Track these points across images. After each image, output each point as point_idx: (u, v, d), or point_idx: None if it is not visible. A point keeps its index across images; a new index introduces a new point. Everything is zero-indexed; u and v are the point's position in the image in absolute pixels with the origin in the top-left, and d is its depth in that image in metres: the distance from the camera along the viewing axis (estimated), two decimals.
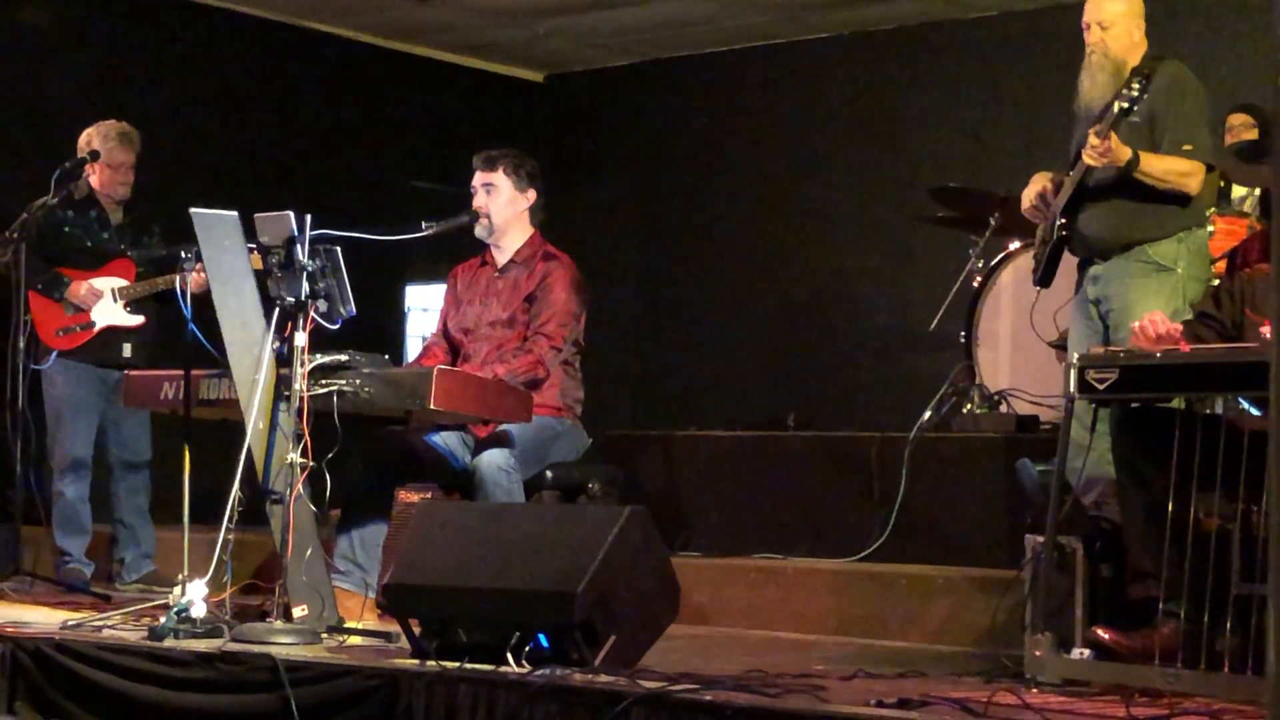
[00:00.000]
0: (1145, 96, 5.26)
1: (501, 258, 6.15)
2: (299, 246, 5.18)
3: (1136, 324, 4.61)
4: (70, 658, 5.08)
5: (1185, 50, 6.41)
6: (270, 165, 9.24)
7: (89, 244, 7.04)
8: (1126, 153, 5.26)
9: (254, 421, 5.19)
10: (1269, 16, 2.34)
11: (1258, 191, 6.61)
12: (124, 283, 7.01)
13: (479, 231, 6.10)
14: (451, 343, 6.19)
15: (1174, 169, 5.32)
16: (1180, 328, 4.54)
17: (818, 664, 4.82)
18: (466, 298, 6.19)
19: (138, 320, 7.02)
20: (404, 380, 5.36)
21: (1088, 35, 5.54)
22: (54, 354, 6.96)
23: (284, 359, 5.19)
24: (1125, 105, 5.24)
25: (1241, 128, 6.86)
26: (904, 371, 8.81)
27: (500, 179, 6.08)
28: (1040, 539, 4.60)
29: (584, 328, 6.08)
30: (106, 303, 6.98)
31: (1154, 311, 4.69)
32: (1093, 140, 5.23)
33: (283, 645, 4.90)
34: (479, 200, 6.09)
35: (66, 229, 7.01)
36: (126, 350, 6.99)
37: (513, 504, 5.56)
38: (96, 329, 6.98)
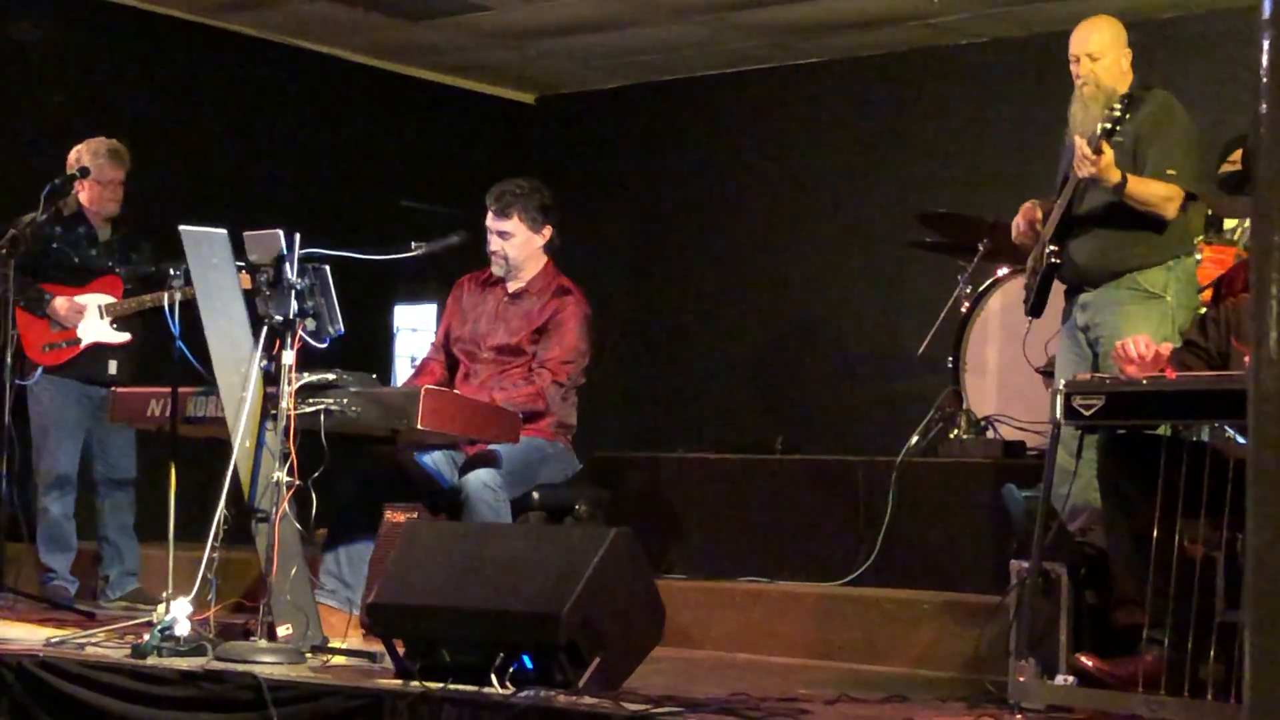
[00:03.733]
0: (1129, 117, 5.30)
1: (514, 284, 6.13)
2: (288, 265, 5.18)
3: (1119, 343, 4.62)
4: (53, 675, 5.06)
5: (1181, 83, 6.43)
6: (260, 184, 9.24)
7: (76, 260, 7.04)
8: (1117, 174, 5.29)
9: (240, 440, 5.18)
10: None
11: (1249, 223, 6.62)
12: (110, 299, 7.00)
13: (495, 270, 6.10)
14: (450, 355, 6.18)
15: (1156, 192, 5.36)
16: (1169, 348, 4.55)
17: (802, 688, 4.81)
18: (473, 315, 6.16)
19: (124, 337, 7.01)
20: (391, 399, 5.36)
21: (1076, 67, 5.57)
22: (40, 370, 6.95)
23: (271, 377, 5.19)
24: (1108, 126, 5.28)
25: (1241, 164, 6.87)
26: (891, 396, 8.82)
27: (514, 226, 6.05)
28: (1025, 565, 4.61)
29: (589, 363, 6.08)
30: (93, 319, 6.97)
31: (1140, 334, 4.70)
32: (1085, 150, 5.25)
33: (266, 664, 4.88)
34: (493, 245, 6.07)
35: (54, 245, 7.00)
36: (112, 367, 6.98)
37: (499, 524, 5.56)
38: (82, 345, 6.97)
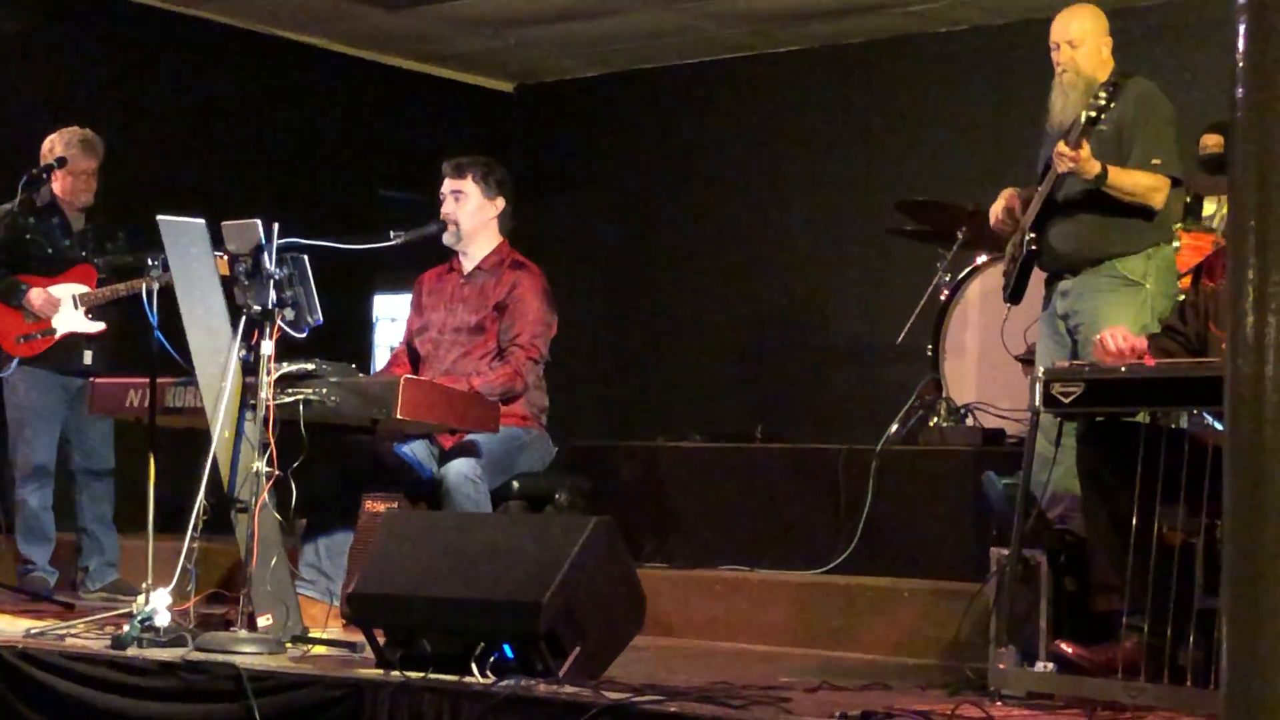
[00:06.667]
0: (1113, 106, 5.31)
1: (468, 264, 6.15)
2: (266, 254, 5.17)
3: (1098, 336, 4.63)
4: (33, 666, 5.05)
5: (1158, 71, 6.43)
6: (238, 173, 9.20)
7: (50, 250, 7.01)
8: (1096, 167, 5.30)
9: (219, 430, 5.17)
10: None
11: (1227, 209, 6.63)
12: (85, 289, 6.97)
13: (447, 239, 6.10)
14: (415, 349, 6.18)
15: (1141, 183, 5.37)
16: (1145, 343, 4.56)
17: (782, 676, 4.82)
18: (430, 304, 6.18)
19: (98, 327, 6.98)
20: (371, 389, 5.35)
21: (1056, 55, 5.57)
22: (15, 361, 6.92)
23: (250, 367, 5.18)
24: (1093, 114, 5.29)
25: (1215, 148, 6.89)
26: (871, 384, 8.82)
27: (468, 186, 6.08)
28: (1005, 552, 4.61)
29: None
30: (67, 309, 6.95)
31: (1118, 326, 4.71)
32: (1063, 148, 5.27)
33: (246, 654, 4.88)
34: (447, 207, 6.09)
35: (28, 235, 6.97)
36: (87, 357, 6.95)
37: (479, 513, 5.56)
38: (57, 336, 6.94)
